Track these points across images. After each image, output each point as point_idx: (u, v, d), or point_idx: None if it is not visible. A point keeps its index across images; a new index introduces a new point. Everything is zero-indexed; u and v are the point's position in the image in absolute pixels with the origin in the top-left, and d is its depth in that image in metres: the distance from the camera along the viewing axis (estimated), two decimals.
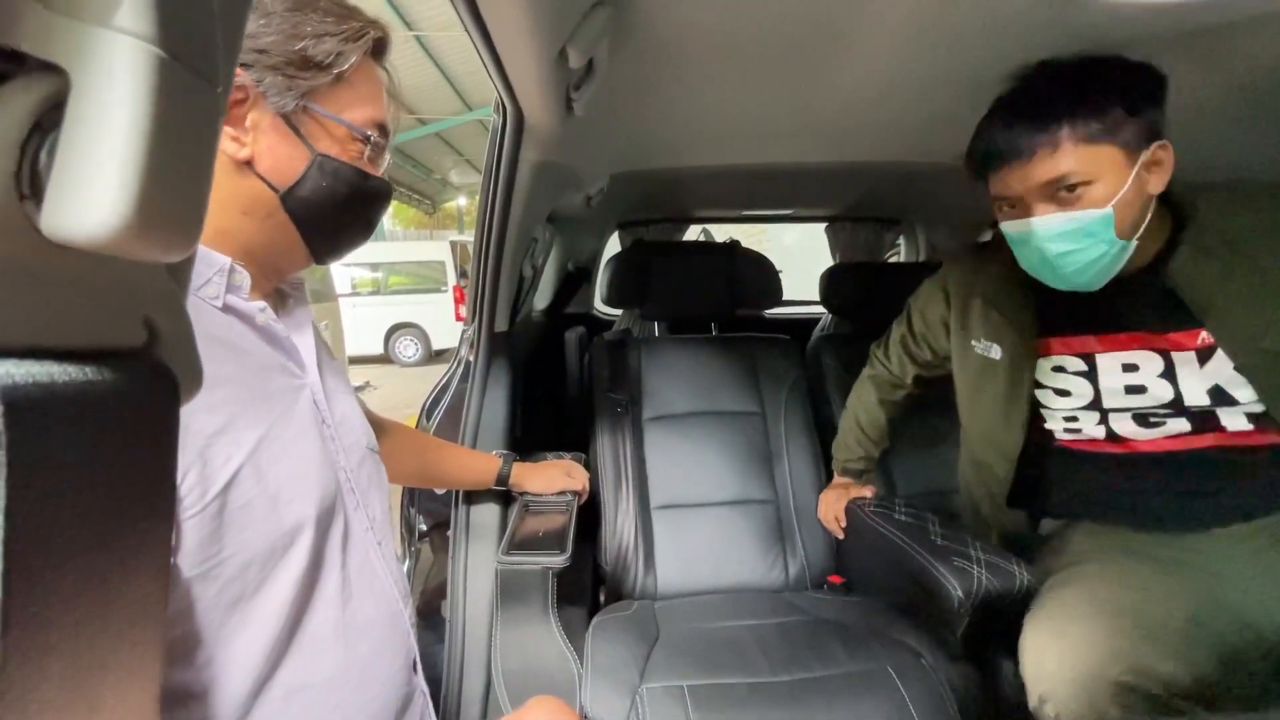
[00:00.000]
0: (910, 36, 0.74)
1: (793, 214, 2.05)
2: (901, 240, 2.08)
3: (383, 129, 0.57)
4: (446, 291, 8.14)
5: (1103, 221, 0.73)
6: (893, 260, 2.16)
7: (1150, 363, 0.83)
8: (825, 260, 2.15)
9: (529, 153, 0.83)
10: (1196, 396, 0.80)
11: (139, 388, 0.15)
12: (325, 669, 0.55)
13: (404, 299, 8.21)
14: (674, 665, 0.93)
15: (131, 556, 0.15)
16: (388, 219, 16.60)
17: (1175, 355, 0.82)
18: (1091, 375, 0.87)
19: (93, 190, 0.12)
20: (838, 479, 1.29)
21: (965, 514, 1.11)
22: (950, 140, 1.20)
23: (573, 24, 0.57)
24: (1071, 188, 0.73)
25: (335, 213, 0.55)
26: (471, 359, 1.16)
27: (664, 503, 1.35)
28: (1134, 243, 0.76)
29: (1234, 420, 0.79)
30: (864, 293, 1.58)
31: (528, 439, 1.34)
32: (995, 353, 0.96)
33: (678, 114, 1.02)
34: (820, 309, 2.17)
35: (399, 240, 14.72)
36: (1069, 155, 0.72)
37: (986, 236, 1.83)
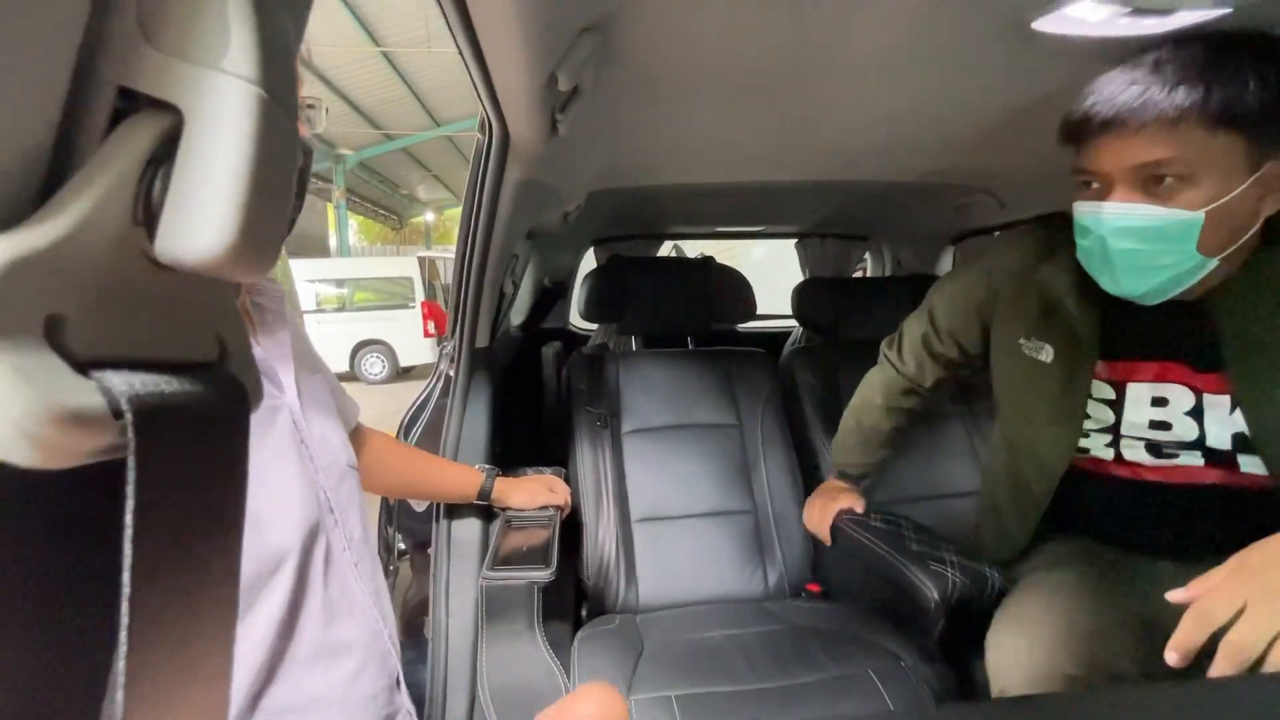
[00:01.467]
0: (879, 70, 0.78)
1: (764, 230, 2.10)
2: (868, 256, 2.15)
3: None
4: (414, 308, 8.05)
5: (1186, 227, 0.63)
6: (861, 275, 2.23)
7: (1182, 399, 0.77)
8: (793, 276, 2.21)
9: (513, 171, 0.85)
10: (1220, 440, 0.75)
11: (221, 398, 0.16)
12: (308, 692, 0.55)
13: (370, 315, 8.08)
14: (660, 676, 0.94)
15: (218, 560, 0.16)
16: (353, 235, 16.34)
17: (1207, 396, 0.75)
18: (1118, 405, 0.82)
19: (204, 217, 0.14)
20: (832, 480, 1.24)
21: (986, 526, 1.04)
22: (914, 162, 1.27)
23: (563, 49, 0.59)
24: (1164, 178, 0.63)
25: None
26: (452, 374, 1.16)
27: (644, 515, 1.36)
28: (1215, 263, 0.66)
29: (1252, 464, 0.75)
30: (835, 306, 1.63)
31: (507, 454, 1.34)
32: (1046, 354, 0.86)
33: (655, 135, 1.05)
34: (789, 323, 2.23)
35: (365, 256, 14.50)
36: (1183, 137, 0.61)
37: (948, 254, 1.91)
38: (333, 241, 12.56)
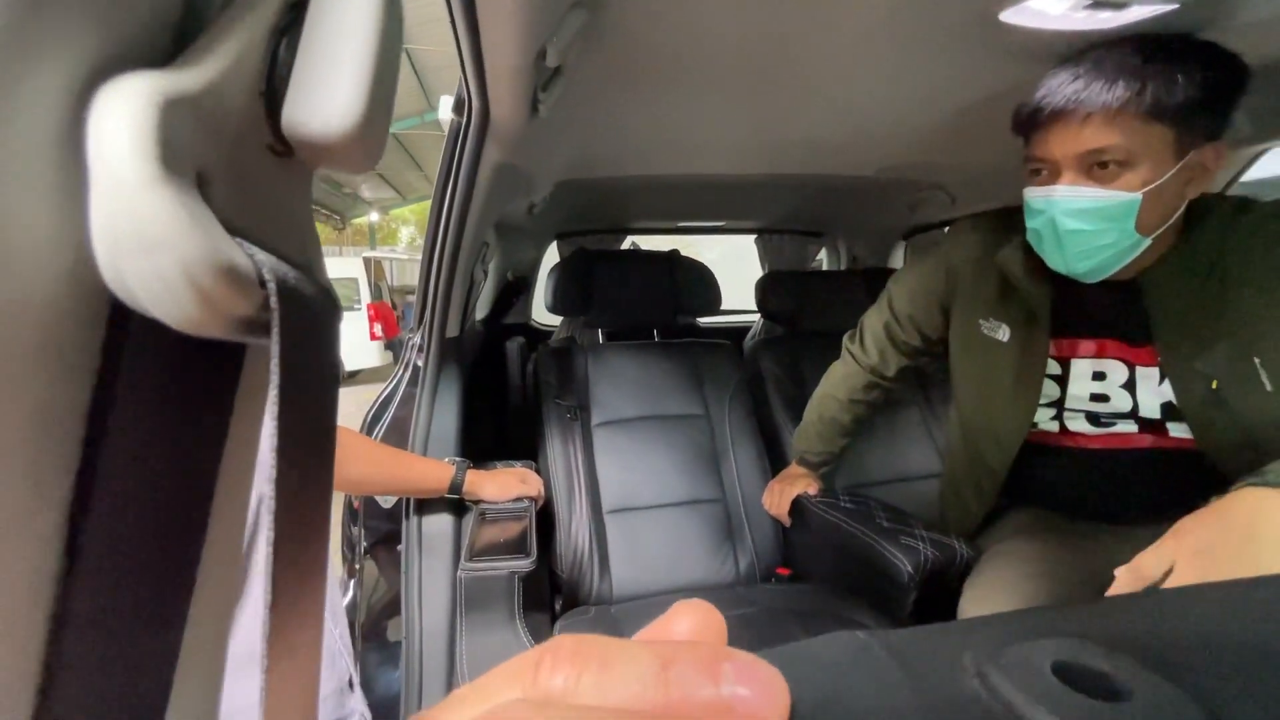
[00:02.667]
0: (852, 61, 0.80)
1: (725, 225, 2.14)
2: (824, 252, 2.21)
3: None
4: (359, 309, 7.77)
5: (1126, 207, 0.70)
6: (818, 269, 2.29)
7: (1118, 372, 0.84)
8: (746, 273, 2.25)
9: (491, 153, 0.84)
10: (1151, 410, 0.82)
11: (320, 299, 0.15)
12: (245, 694, 0.52)
13: None
14: None
15: (324, 468, 0.15)
16: None
17: (1138, 369, 0.82)
18: (1063, 380, 0.88)
19: (332, 91, 0.13)
20: (793, 467, 1.29)
21: (948, 504, 1.09)
22: (874, 156, 1.31)
23: (555, 22, 0.58)
24: (1107, 164, 0.69)
25: None
26: (420, 364, 1.13)
27: (616, 507, 1.35)
28: (1148, 241, 0.73)
29: (1179, 430, 0.82)
30: (796, 298, 1.66)
31: (472, 449, 1.31)
32: (1003, 334, 0.92)
33: (629, 123, 1.05)
34: (747, 316, 2.27)
35: None
36: (1122, 127, 0.68)
37: (900, 249, 1.98)
38: None
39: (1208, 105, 0.67)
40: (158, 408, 0.11)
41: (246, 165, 0.13)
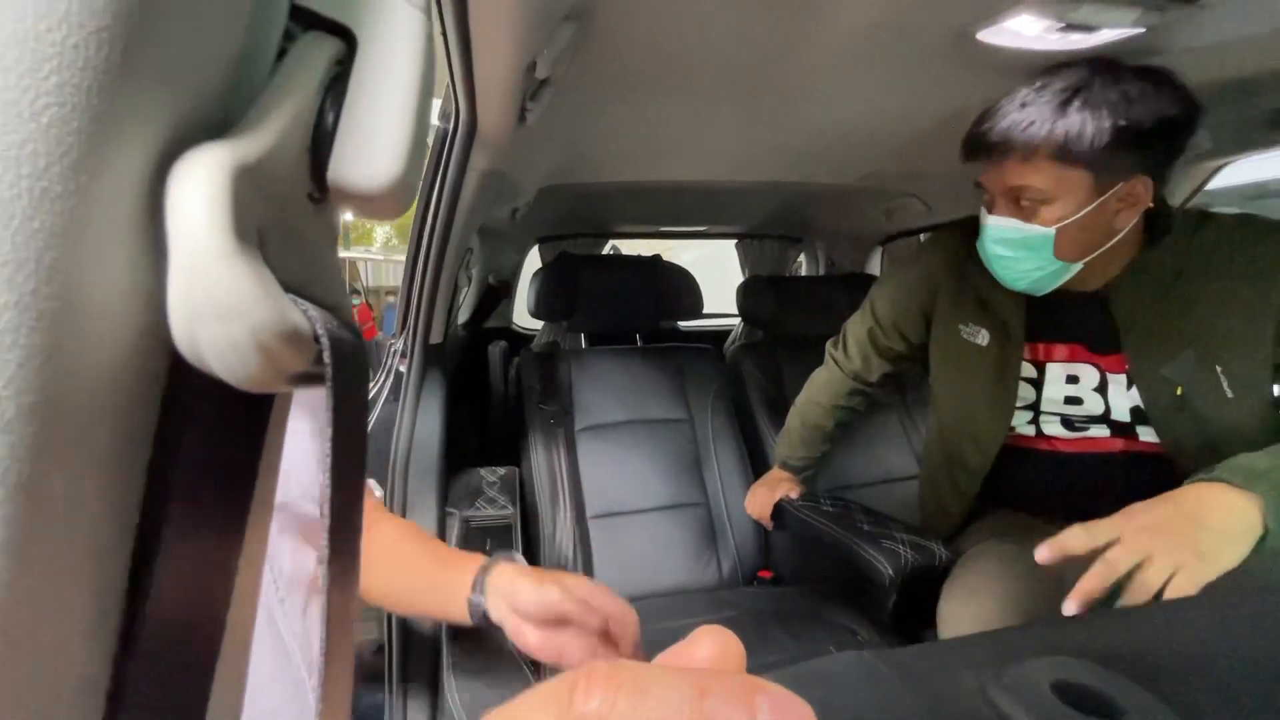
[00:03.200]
0: (834, 73, 0.82)
1: (706, 230, 2.15)
2: (803, 257, 2.24)
3: None
4: None
5: (1041, 240, 0.76)
6: (797, 275, 2.32)
7: (1090, 376, 0.87)
8: (722, 277, 2.27)
9: (478, 160, 0.84)
10: (1122, 413, 0.86)
11: (354, 340, 0.16)
12: None
13: None
14: None
15: (357, 502, 0.15)
16: None
17: (1109, 375, 0.86)
18: (1038, 383, 0.91)
19: (380, 144, 0.13)
20: (775, 471, 1.31)
21: (927, 506, 1.11)
22: (853, 165, 1.34)
23: (546, 36, 0.59)
24: (1028, 204, 0.75)
25: None
26: (403, 370, 1.12)
27: (600, 512, 1.36)
28: (1079, 266, 0.78)
29: (1147, 433, 0.85)
30: (777, 303, 1.68)
31: (454, 455, 1.31)
32: (982, 338, 0.95)
33: (616, 130, 1.06)
34: (727, 320, 2.29)
35: None
36: (1039, 170, 0.73)
37: (876, 254, 2.02)
38: None
39: (1125, 148, 0.70)
40: (206, 460, 0.12)
41: (292, 218, 0.13)
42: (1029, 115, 0.72)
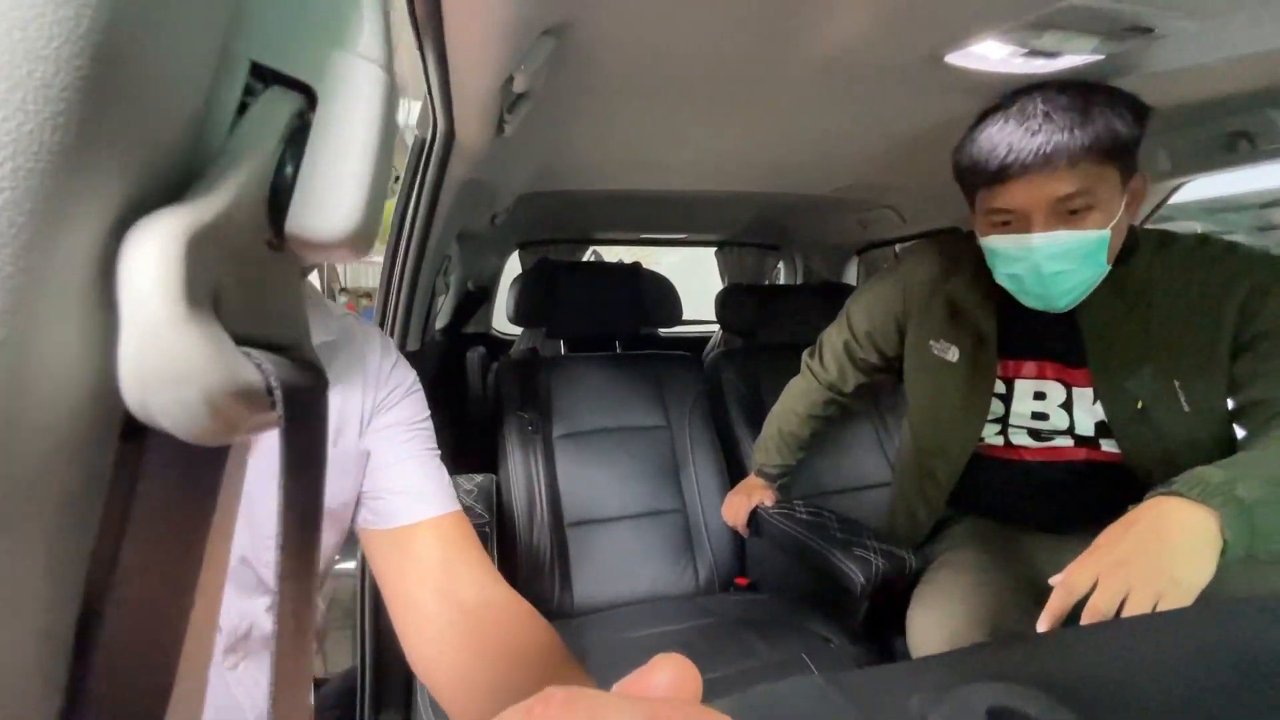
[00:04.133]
0: (809, 88, 0.84)
1: (686, 238, 2.17)
2: (781, 265, 2.27)
3: None
4: None
5: (1098, 244, 0.76)
6: (774, 283, 2.34)
7: (1056, 393, 0.90)
8: (703, 284, 2.29)
9: (456, 170, 0.84)
10: (1085, 428, 0.89)
11: (311, 380, 0.16)
12: None
13: None
14: (605, 676, 0.94)
15: (313, 538, 0.16)
16: None
17: (1075, 390, 0.88)
18: (1007, 398, 0.93)
19: (337, 198, 0.14)
20: (751, 479, 1.32)
21: (898, 514, 1.13)
22: (830, 177, 1.36)
23: (524, 51, 0.59)
24: (1076, 209, 0.75)
25: None
26: None
27: (577, 519, 1.36)
28: (1109, 269, 0.79)
29: (1109, 445, 0.88)
30: (755, 311, 1.70)
31: None
32: (952, 355, 0.96)
33: (595, 140, 1.06)
34: (706, 327, 2.31)
35: None
36: (1082, 173, 0.73)
37: (853, 264, 2.05)
38: None
39: (1137, 141, 0.74)
40: (162, 512, 0.12)
41: (249, 268, 0.13)
42: (1063, 123, 0.72)
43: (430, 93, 0.65)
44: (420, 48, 0.54)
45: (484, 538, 1.04)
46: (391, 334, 1.07)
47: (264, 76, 0.13)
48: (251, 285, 0.13)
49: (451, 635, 0.50)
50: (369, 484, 0.56)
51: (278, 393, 0.12)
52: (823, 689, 0.19)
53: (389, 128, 0.15)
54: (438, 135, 0.75)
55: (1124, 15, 0.60)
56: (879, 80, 0.81)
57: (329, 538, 0.55)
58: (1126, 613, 0.59)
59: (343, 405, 0.54)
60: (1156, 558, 0.61)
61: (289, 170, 0.13)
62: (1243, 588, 0.72)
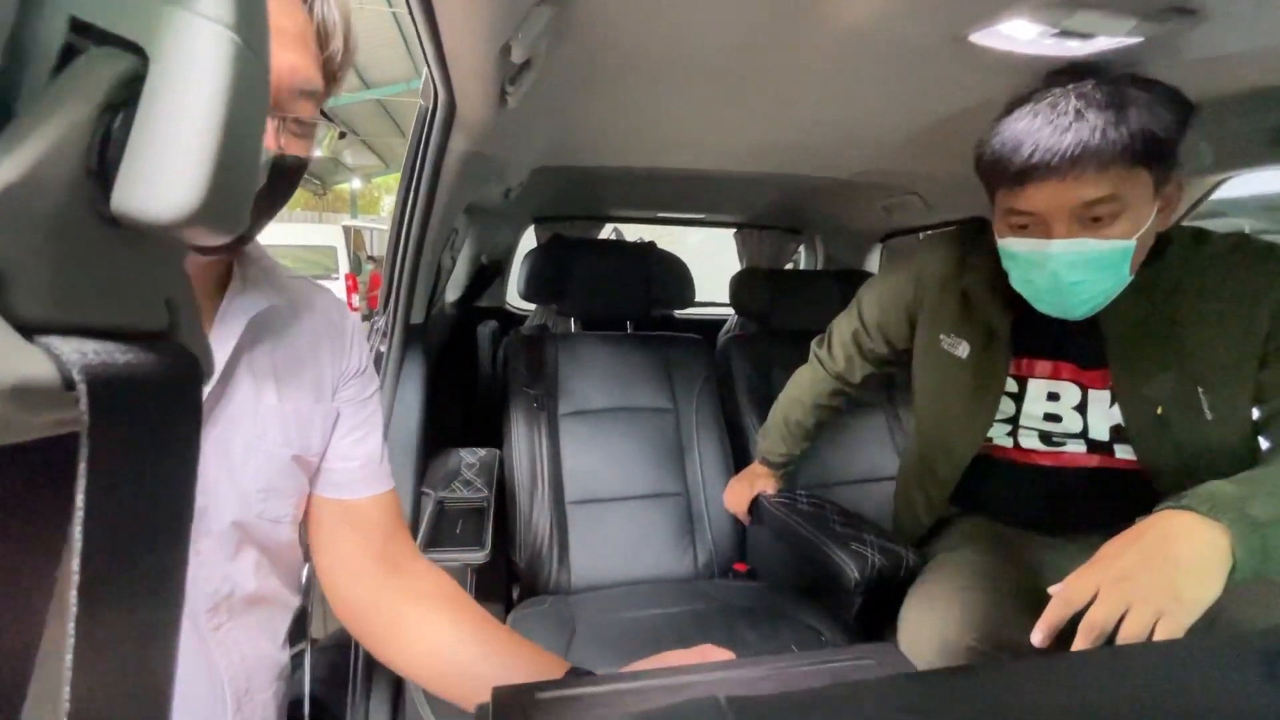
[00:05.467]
0: (828, 69, 0.80)
1: (704, 219, 2.13)
2: (802, 249, 2.22)
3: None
4: (338, 279, 7.65)
5: (1124, 254, 0.71)
6: (795, 268, 2.30)
7: (1071, 395, 0.86)
8: (727, 262, 2.25)
9: (457, 142, 0.82)
10: (1100, 432, 0.85)
11: (174, 371, 0.15)
12: None
13: None
14: (593, 656, 0.95)
15: (168, 543, 0.15)
16: None
17: (1091, 392, 0.85)
18: (1019, 398, 0.90)
19: (168, 172, 0.12)
20: (755, 466, 1.30)
21: (900, 509, 1.11)
22: (851, 161, 1.31)
23: (518, 20, 0.57)
24: (1100, 216, 0.70)
25: None
26: (384, 350, 1.12)
27: (579, 498, 1.36)
28: (1132, 277, 0.74)
29: (1124, 451, 0.85)
30: (770, 296, 1.67)
31: (437, 434, 1.30)
32: (963, 350, 0.93)
33: (605, 115, 1.04)
34: (725, 310, 2.28)
35: (284, 222, 13.61)
36: (1112, 177, 0.68)
37: (875, 251, 1.99)
38: None
39: (1176, 141, 0.68)
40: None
41: (72, 245, 0.12)
42: (1095, 122, 0.66)
43: (426, 60, 0.63)
44: (410, 11, 0.52)
45: (481, 514, 1.05)
46: (396, 307, 1.08)
47: (91, 34, 0.12)
48: (75, 263, 0.12)
49: (385, 592, 0.60)
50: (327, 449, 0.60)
51: (81, 387, 0.11)
52: (723, 711, 0.18)
53: (242, 96, 0.13)
54: (438, 105, 0.74)
55: None
56: (900, 60, 0.77)
57: (301, 485, 0.58)
58: (1124, 629, 0.57)
59: (315, 367, 0.57)
60: (1161, 574, 0.58)
61: (116, 138, 0.12)
62: (1249, 608, 0.69)
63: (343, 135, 0.57)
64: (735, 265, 2.28)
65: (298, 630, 1.02)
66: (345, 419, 0.60)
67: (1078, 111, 0.68)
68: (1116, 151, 0.66)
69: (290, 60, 0.44)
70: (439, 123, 0.76)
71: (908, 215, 1.69)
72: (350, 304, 7.60)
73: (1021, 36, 0.66)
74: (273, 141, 0.44)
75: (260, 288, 0.53)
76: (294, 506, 0.57)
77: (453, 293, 1.75)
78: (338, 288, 7.60)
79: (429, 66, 0.66)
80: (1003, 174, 0.74)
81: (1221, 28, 0.63)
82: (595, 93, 0.93)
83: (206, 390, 0.49)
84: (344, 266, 7.66)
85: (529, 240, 2.04)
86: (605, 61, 0.79)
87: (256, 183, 0.15)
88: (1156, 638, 0.55)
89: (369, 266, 7.99)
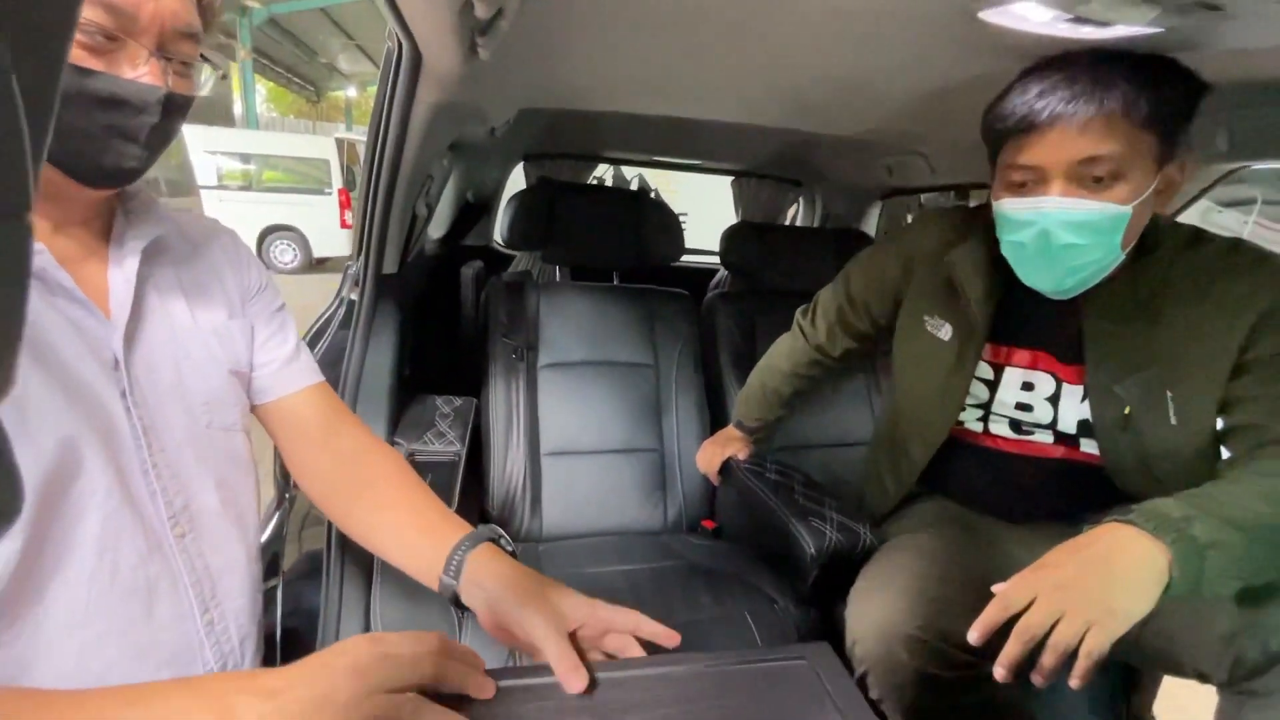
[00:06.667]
0: (830, 26, 0.75)
1: (700, 164, 2.05)
2: (800, 202, 2.15)
3: (112, 8, 0.44)
4: (330, 194, 7.45)
5: (1117, 221, 0.69)
6: (790, 224, 2.23)
7: (1045, 385, 0.87)
8: (723, 212, 2.19)
9: (426, 93, 0.77)
10: (1068, 425, 0.86)
11: None
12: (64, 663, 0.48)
13: (281, 198, 7.42)
14: None
15: None
16: (262, 103, 14.67)
17: (1065, 385, 0.85)
18: (994, 385, 0.90)
19: None
20: (730, 429, 1.32)
21: (870, 481, 1.12)
22: (852, 120, 1.25)
23: None
24: (1100, 178, 0.68)
25: (62, 127, 0.45)
26: (355, 298, 1.09)
27: (554, 449, 1.37)
28: (1123, 257, 0.74)
29: (1090, 446, 0.86)
30: (760, 252, 1.62)
31: (417, 378, 1.30)
32: (945, 333, 0.93)
33: (591, 59, 0.98)
34: (718, 261, 2.23)
35: (277, 130, 13.10)
36: (1118, 134, 0.66)
37: (875, 209, 1.93)
38: (238, 109, 11.19)
39: (1187, 118, 0.68)
40: None
41: None
42: (1107, 79, 0.65)
43: (381, 6, 0.58)
44: None
45: (451, 468, 1.06)
46: (368, 257, 1.04)
47: None
48: None
49: (336, 483, 0.68)
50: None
51: None
52: None
53: None
54: (403, 56, 0.69)
55: None
56: (907, 30, 0.72)
57: (241, 396, 0.64)
58: (1054, 636, 0.58)
59: (220, 286, 0.63)
60: (1097, 586, 0.60)
61: None
62: (1178, 622, 0.71)
63: (224, 77, 0.60)
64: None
65: (270, 568, 1.05)
66: (259, 330, 0.66)
67: (1091, 66, 0.67)
68: (1125, 106, 0.65)
69: (171, 6, 0.47)
70: (404, 74, 0.71)
71: (910, 175, 1.63)
72: (343, 220, 7.46)
73: (1034, 18, 0.61)
74: (160, 80, 0.48)
75: (145, 220, 0.57)
76: (240, 414, 0.62)
77: (437, 230, 1.70)
78: (330, 203, 7.42)
79: (389, 17, 0.61)
80: (1007, 123, 0.72)
81: (1247, 24, 0.58)
82: (578, 37, 0.87)
83: (122, 322, 0.52)
84: (337, 181, 7.44)
85: (517, 179, 1.97)
86: (588, 9, 0.73)
87: (20, 329, 0.13)
88: (1084, 648, 0.57)
89: None
